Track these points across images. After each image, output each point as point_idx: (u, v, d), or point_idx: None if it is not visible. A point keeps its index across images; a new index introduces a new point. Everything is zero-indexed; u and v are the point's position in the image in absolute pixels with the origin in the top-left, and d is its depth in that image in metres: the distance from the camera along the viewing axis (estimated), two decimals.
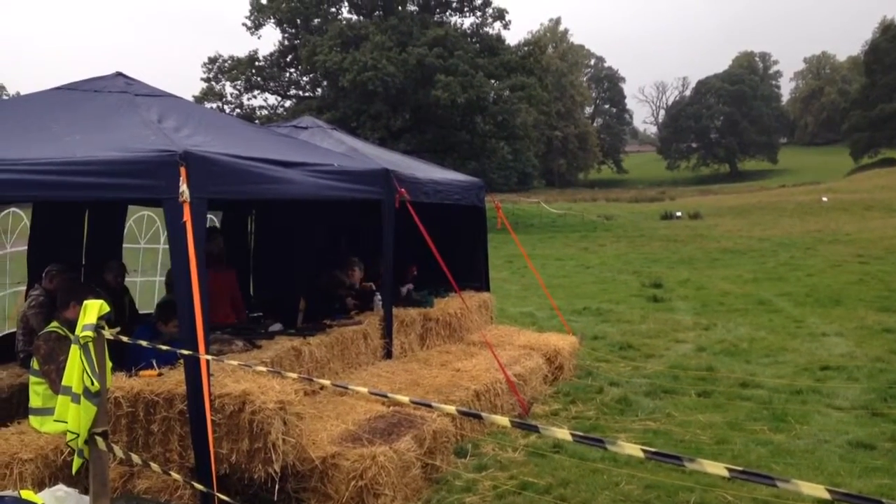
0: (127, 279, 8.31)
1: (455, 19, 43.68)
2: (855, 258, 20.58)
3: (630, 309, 13.79)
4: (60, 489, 4.21)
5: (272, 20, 42.41)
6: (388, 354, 7.63)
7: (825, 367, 8.71)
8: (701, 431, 6.51)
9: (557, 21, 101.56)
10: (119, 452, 4.34)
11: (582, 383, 8.27)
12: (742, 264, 20.80)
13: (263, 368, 3.86)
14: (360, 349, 7.30)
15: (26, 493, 4.03)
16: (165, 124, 5.67)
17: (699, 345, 10.34)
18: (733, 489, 5.07)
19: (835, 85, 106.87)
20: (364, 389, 3.00)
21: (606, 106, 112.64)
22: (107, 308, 4.36)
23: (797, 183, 67.21)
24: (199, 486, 4.31)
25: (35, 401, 5.43)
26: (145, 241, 10.68)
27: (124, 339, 4.28)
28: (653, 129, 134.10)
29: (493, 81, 39.93)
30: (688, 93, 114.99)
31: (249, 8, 42.32)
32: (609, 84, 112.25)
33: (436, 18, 42.17)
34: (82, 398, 4.31)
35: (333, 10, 43.09)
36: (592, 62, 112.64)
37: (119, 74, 6.64)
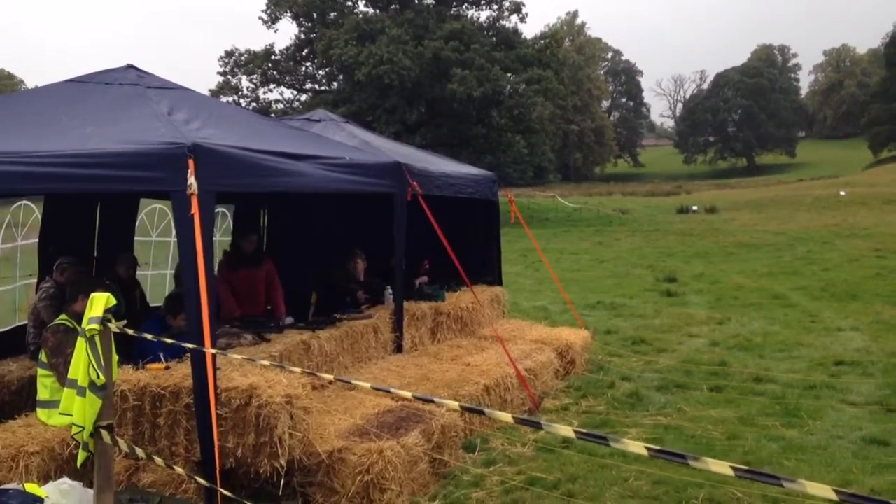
0: (138, 272, 8.35)
1: (472, 13, 43.58)
2: (872, 252, 20.34)
3: (644, 303, 13.71)
4: (65, 482, 4.22)
5: (288, 14, 42.49)
6: (399, 348, 7.61)
7: (839, 362, 8.61)
8: (712, 427, 6.44)
9: (575, 14, 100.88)
10: (124, 446, 4.35)
11: (593, 378, 8.21)
12: (757, 258, 20.62)
13: (267, 363, 3.84)
14: (370, 343, 7.29)
15: (30, 486, 4.04)
16: (176, 116, 5.67)
17: (712, 339, 10.25)
18: (742, 486, 5.01)
19: (854, 78, 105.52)
20: (367, 385, 2.98)
21: (623, 99, 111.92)
22: (114, 301, 4.36)
23: (815, 177, 66.54)
24: (201, 481, 4.31)
25: (43, 393, 5.46)
26: (157, 234, 10.73)
27: (130, 331, 4.28)
28: (670, 123, 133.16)
29: (509, 75, 39.76)
30: (705, 86, 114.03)
31: (266, 1, 42.43)
32: (626, 77, 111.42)
33: (452, 12, 42.09)
34: (88, 391, 4.32)
35: (350, 3, 43.13)
36: (610, 55, 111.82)
37: (130, 67, 6.64)
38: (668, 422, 6.64)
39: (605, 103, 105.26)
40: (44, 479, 4.57)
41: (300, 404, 4.91)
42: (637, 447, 2.35)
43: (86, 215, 8.48)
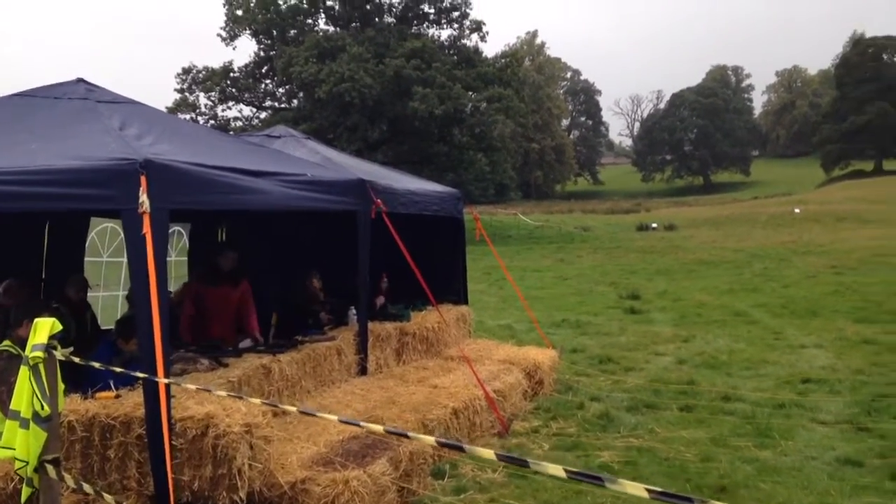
0: (89, 294, 7.99)
1: (432, 31, 43.66)
2: (829, 269, 20.64)
3: (608, 321, 13.64)
4: None
5: (248, 31, 42.07)
6: (363, 371, 7.38)
7: (806, 380, 8.59)
8: (685, 448, 6.32)
9: (534, 34, 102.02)
10: (70, 481, 4.07)
11: (562, 398, 8.06)
12: (718, 275, 20.79)
13: (223, 393, 3.59)
14: (333, 366, 7.05)
15: None
16: (127, 132, 5.42)
17: (679, 357, 10.19)
18: None
19: (806, 98, 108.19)
20: (334, 417, 2.77)
21: (583, 118, 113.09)
22: (59, 326, 4.10)
23: (769, 195, 67.77)
24: None
25: None
26: (108, 254, 10.33)
27: (76, 359, 4.00)
28: (628, 142, 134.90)
29: (470, 93, 39.83)
30: (662, 106, 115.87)
31: (224, 19, 42.00)
32: (585, 97, 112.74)
33: (413, 30, 42.08)
34: (31, 423, 4.04)
35: (310, 21, 42.86)
36: (569, 75, 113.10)
37: (80, 80, 6.36)
38: (640, 444, 6.49)
39: (565, 122, 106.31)
40: None
41: (260, 433, 4.66)
42: (636, 489, 2.16)
43: (33, 234, 8.13)
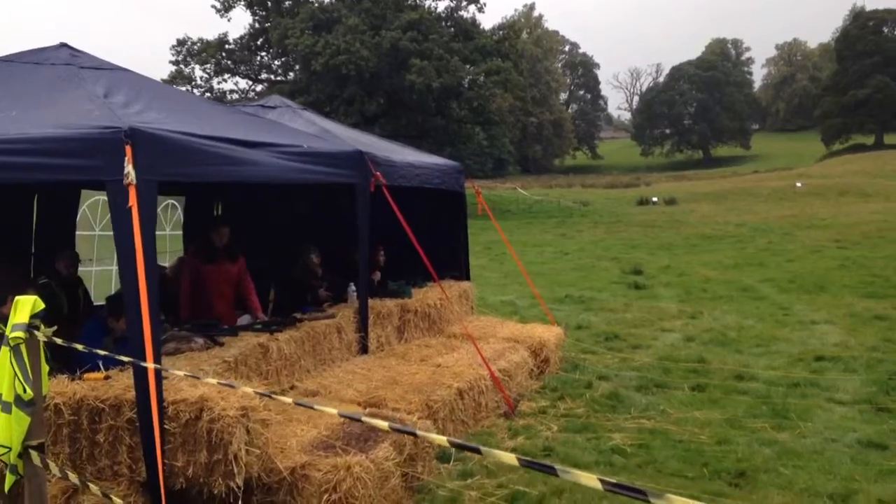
0: (81, 269, 7.71)
1: (429, 3, 42.90)
2: (833, 243, 20.39)
3: (612, 297, 13.41)
4: None
5: (242, 2, 41.38)
6: (364, 349, 7.13)
7: (820, 358, 8.35)
8: (699, 430, 6.08)
9: (532, 6, 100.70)
10: (55, 468, 3.82)
11: (569, 377, 7.82)
12: (721, 250, 20.54)
13: (213, 381, 3.32)
14: (333, 344, 6.79)
15: None
16: (113, 99, 5.12)
17: (687, 334, 9.96)
18: (741, 496, 4.66)
19: (806, 71, 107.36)
20: (333, 411, 2.51)
21: (581, 92, 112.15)
22: (41, 305, 3.82)
23: (770, 169, 67.39)
24: None
25: None
26: (100, 227, 10.01)
27: (58, 340, 3.73)
28: (627, 116, 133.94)
29: (468, 66, 39.29)
30: (661, 79, 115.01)
31: None
32: (584, 70, 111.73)
33: (409, 2, 41.37)
34: (14, 407, 3.79)
35: None
36: (567, 48, 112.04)
37: (64, 45, 6.04)
38: (652, 425, 6.25)
39: (564, 96, 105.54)
40: None
41: (257, 417, 4.41)
42: (589, 479, 1.99)
43: (21, 208, 7.82)
